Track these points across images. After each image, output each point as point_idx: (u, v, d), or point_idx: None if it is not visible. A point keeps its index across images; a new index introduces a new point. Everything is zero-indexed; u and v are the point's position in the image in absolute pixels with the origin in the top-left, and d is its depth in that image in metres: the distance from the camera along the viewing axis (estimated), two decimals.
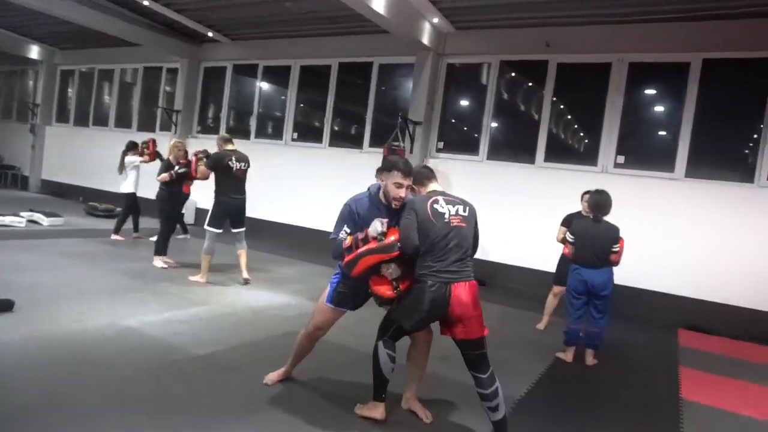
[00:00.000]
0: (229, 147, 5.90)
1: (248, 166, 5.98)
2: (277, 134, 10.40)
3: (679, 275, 6.80)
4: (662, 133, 7.50)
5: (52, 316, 4.15)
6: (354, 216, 3.01)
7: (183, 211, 9.10)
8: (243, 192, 5.96)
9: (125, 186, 8.12)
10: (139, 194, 8.18)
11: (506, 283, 7.76)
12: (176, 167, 6.46)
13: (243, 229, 6.06)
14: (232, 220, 5.98)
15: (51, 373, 3.22)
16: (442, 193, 3.04)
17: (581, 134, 8.06)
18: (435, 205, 2.89)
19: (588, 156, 7.67)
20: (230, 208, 5.85)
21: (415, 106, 8.62)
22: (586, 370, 4.46)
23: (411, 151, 8.53)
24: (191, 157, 6.36)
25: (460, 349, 2.91)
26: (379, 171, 3.10)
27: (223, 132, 6.26)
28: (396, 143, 8.41)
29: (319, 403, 3.22)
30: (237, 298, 5.44)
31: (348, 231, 2.95)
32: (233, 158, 5.81)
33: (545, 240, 6.42)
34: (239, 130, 10.59)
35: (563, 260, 5.39)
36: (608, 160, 7.49)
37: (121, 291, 5.14)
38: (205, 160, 5.91)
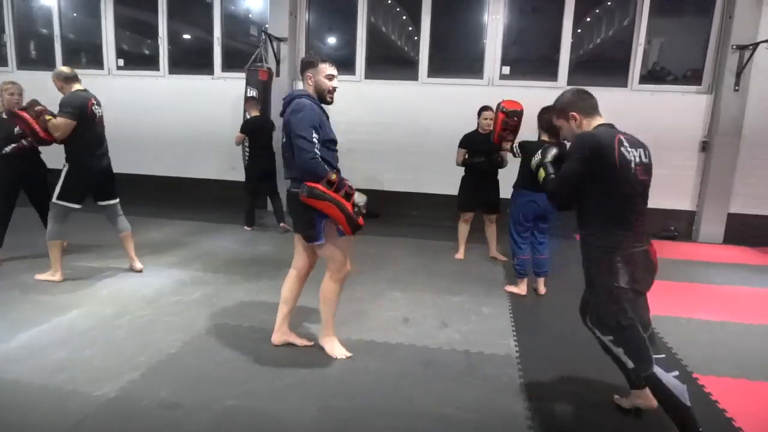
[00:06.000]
0: (78, 87, 4.07)
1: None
2: (96, 62, 8.17)
3: None
4: (545, 42, 7.38)
5: None
6: (319, 118, 2.79)
7: None
8: (107, 148, 4.29)
9: None
10: None
11: (405, 211, 7.32)
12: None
13: (117, 201, 4.41)
14: (99, 190, 4.26)
15: None
16: (619, 131, 2.21)
17: (465, 46, 7.60)
18: (622, 148, 2.10)
19: (473, 68, 7.29)
20: (96, 171, 4.14)
21: (276, 18, 7.30)
22: (544, 302, 4.24)
23: (278, 74, 7.32)
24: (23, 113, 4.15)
25: None
26: (304, 70, 2.85)
27: (63, 67, 4.12)
28: (259, 64, 7.09)
29: None
30: (114, 288, 4.09)
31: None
32: (94, 102, 4.08)
33: (443, 162, 6.07)
34: (39, 60, 8.15)
35: (467, 184, 5.26)
36: (494, 71, 7.21)
37: None
38: (47, 112, 4.03)
